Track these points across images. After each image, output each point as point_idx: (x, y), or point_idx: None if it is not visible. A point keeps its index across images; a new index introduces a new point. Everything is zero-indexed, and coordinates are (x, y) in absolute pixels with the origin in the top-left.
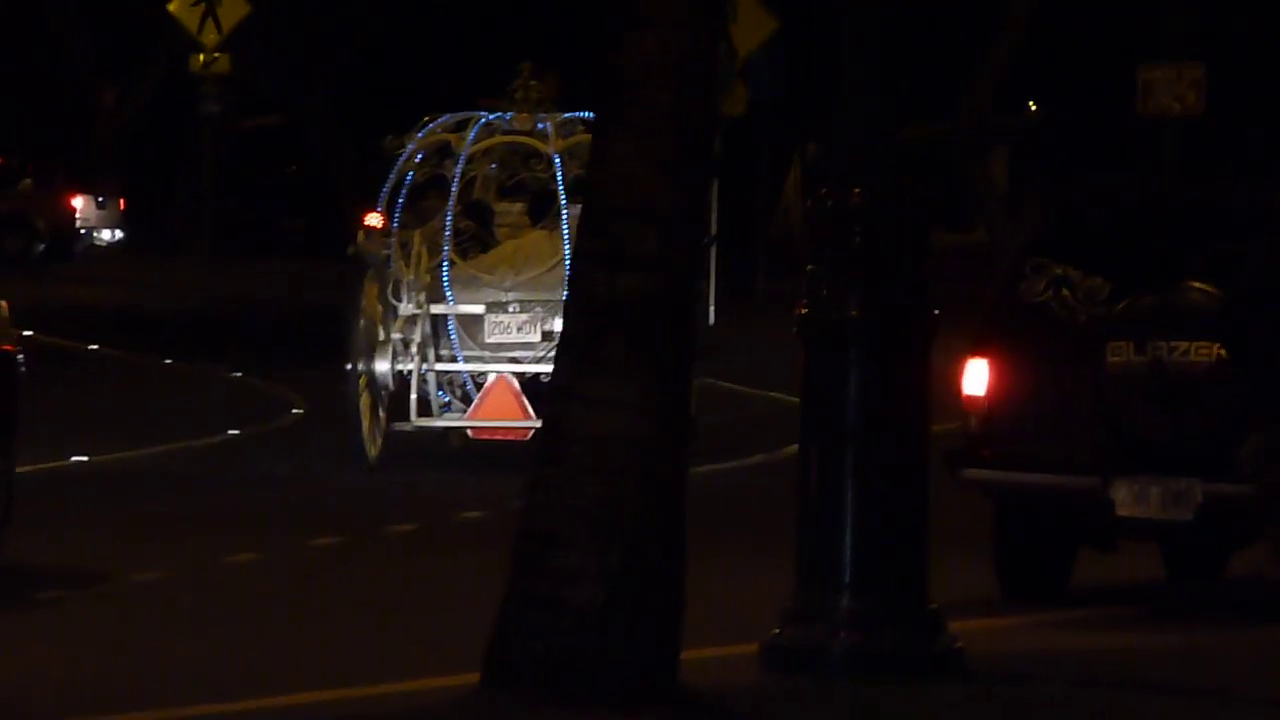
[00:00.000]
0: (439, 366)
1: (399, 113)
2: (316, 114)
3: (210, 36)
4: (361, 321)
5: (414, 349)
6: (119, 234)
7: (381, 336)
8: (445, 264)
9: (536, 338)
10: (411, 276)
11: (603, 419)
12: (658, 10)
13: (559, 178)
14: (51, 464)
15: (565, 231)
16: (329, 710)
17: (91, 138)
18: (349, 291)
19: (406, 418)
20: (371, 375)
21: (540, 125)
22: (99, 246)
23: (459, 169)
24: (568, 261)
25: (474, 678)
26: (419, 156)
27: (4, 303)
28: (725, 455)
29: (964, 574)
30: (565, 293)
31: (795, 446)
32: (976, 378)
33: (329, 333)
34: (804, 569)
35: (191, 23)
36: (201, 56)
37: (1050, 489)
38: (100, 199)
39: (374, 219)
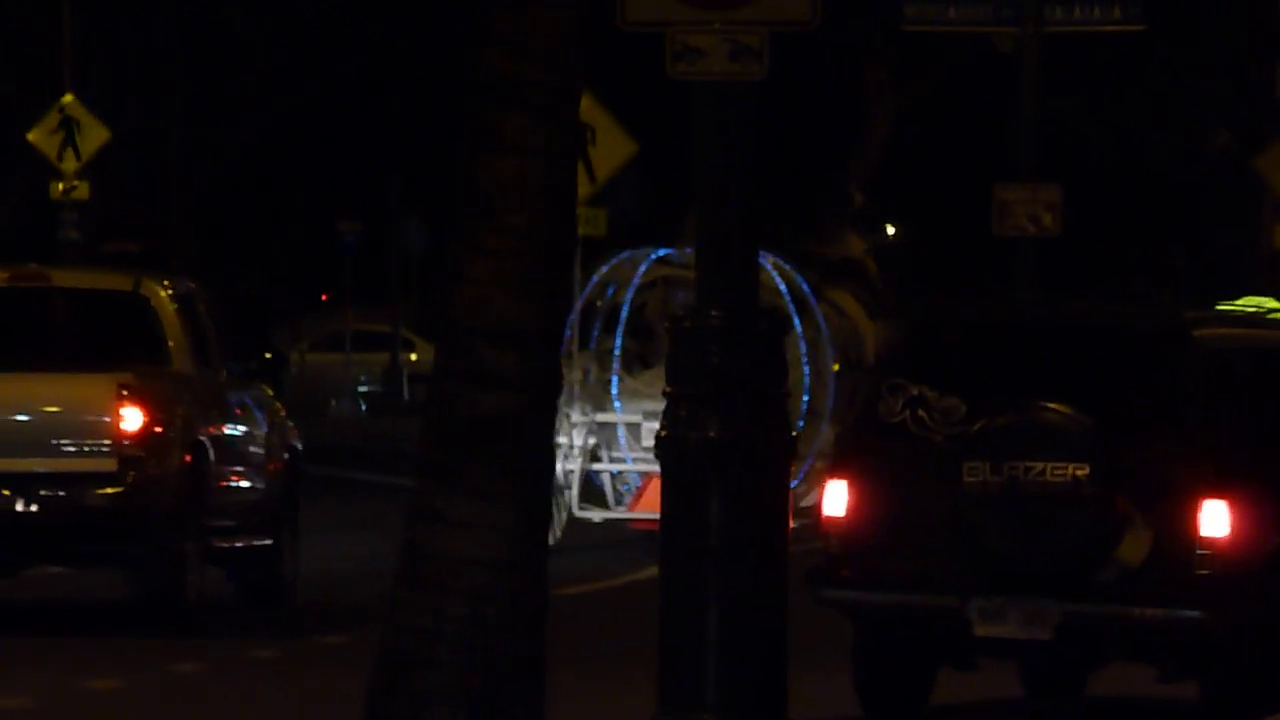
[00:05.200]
0: (599, 466)
1: (256, 239)
2: (177, 239)
3: (70, 164)
4: None
5: (575, 450)
6: None
7: None
8: (615, 379)
9: None
10: (578, 388)
11: (464, 540)
12: (518, 137)
13: None
14: None
15: None
16: None
17: None
18: None
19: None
20: None
21: None
22: None
23: (629, 296)
24: None
25: None
26: (611, 288)
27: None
28: (590, 577)
29: (825, 692)
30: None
31: (657, 567)
32: (836, 497)
33: None
34: (666, 689)
35: (51, 150)
36: (61, 184)
37: (909, 608)
38: None
39: None
